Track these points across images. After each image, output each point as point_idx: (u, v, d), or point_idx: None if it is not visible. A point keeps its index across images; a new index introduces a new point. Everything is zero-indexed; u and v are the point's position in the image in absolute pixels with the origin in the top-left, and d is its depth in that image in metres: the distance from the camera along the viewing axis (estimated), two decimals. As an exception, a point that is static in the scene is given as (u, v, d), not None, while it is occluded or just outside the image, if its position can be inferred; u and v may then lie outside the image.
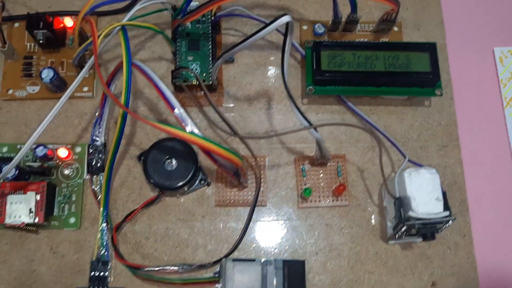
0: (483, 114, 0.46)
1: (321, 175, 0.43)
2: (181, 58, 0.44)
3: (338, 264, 0.42)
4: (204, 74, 0.43)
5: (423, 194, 0.37)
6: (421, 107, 0.46)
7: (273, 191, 0.43)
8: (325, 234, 0.42)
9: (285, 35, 0.34)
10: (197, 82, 0.43)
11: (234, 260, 0.38)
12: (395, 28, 0.47)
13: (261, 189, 0.43)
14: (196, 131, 0.36)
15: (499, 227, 0.43)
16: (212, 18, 0.45)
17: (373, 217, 0.43)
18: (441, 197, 0.37)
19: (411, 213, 0.36)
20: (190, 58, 0.44)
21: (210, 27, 0.45)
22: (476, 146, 0.45)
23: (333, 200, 0.43)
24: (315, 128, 0.37)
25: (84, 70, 0.39)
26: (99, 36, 0.38)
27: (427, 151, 0.44)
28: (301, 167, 0.43)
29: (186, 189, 0.42)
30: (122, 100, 0.37)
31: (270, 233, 0.42)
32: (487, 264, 0.42)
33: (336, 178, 0.43)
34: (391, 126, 0.45)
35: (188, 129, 0.36)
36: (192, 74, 0.43)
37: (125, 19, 0.40)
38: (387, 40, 0.47)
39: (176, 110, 0.36)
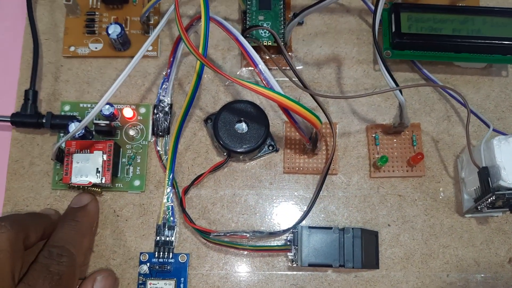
0: None
1: (395, 144, 0.41)
2: (252, 17, 0.42)
3: (411, 236, 0.40)
4: (278, 37, 0.41)
5: (513, 163, 0.35)
6: (498, 77, 0.44)
7: (343, 160, 0.42)
8: (398, 206, 0.41)
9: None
10: (268, 43, 0.41)
11: (310, 227, 0.37)
12: (479, -7, 0.45)
13: (332, 157, 0.41)
14: (278, 89, 0.34)
15: None
16: (284, -24, 0.43)
17: (448, 189, 0.41)
18: (533, 167, 0.35)
19: (501, 183, 0.34)
20: (261, 17, 0.42)
21: (281, -14, 0.43)
22: (557, 119, 0.43)
23: (407, 171, 0.41)
24: (400, 91, 0.35)
25: (159, 26, 0.37)
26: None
27: (505, 123, 0.42)
28: (374, 135, 0.42)
29: (255, 153, 0.41)
30: (201, 50, 0.35)
31: (341, 203, 0.41)
32: None
33: (411, 147, 0.41)
34: (467, 96, 0.43)
35: (270, 86, 0.34)
36: (264, 34, 0.41)
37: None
38: (463, 4, 0.44)
39: (259, 66, 0.34)
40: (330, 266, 0.36)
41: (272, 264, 0.39)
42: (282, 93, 0.34)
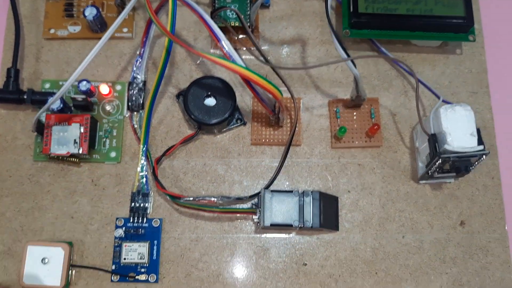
0: (514, 62, 0.47)
1: (355, 117, 0.44)
2: (220, 1, 0.45)
3: (369, 202, 0.43)
4: (242, 17, 0.44)
5: (458, 129, 0.38)
6: (452, 55, 0.47)
7: (307, 132, 0.45)
8: (358, 174, 0.44)
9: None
10: (235, 24, 0.44)
11: (273, 191, 0.40)
12: (429, -23, 0.48)
13: (296, 129, 0.44)
14: (240, 61, 0.37)
15: (527, 171, 0.44)
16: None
17: (404, 158, 0.44)
18: (475, 132, 0.38)
19: (446, 147, 0.37)
20: (228, 0, 0.45)
21: (247, -29, 0.45)
22: (505, 93, 0.46)
23: (366, 141, 0.44)
24: (353, 62, 0.38)
25: (129, 5, 0.40)
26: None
27: (458, 97, 0.45)
28: (335, 109, 0.45)
29: (223, 126, 0.43)
30: (168, 27, 0.38)
31: (304, 171, 0.43)
32: (514, 205, 0.43)
33: (369, 120, 0.44)
34: (423, 73, 0.46)
35: (232, 59, 0.37)
36: (231, 15, 0.44)
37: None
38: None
39: (222, 42, 0.37)
40: (290, 226, 0.39)
41: (239, 227, 0.42)
42: (244, 65, 0.37)
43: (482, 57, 0.47)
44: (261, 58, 0.40)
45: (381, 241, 0.42)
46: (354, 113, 0.44)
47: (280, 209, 0.39)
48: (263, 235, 0.42)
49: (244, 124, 0.44)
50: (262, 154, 0.44)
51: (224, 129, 0.44)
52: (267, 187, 0.42)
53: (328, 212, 0.40)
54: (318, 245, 0.42)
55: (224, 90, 0.42)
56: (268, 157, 0.44)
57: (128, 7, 0.40)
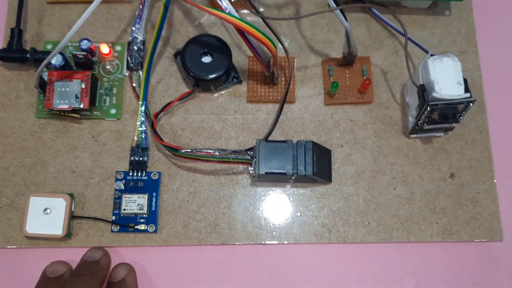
0: (502, 22, 0.48)
1: (347, 74, 0.46)
2: (216, -36, 0.46)
3: (362, 156, 0.44)
4: (237, -21, 0.46)
5: (446, 78, 0.39)
6: (441, 16, 0.48)
7: (301, 90, 0.46)
8: (350, 129, 0.45)
9: None
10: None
11: (267, 141, 0.41)
12: None
13: (291, 87, 0.45)
14: (234, 13, 0.38)
15: (515, 125, 0.46)
16: None
17: (395, 114, 0.45)
18: (462, 81, 0.39)
19: (434, 94, 0.39)
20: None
21: None
22: (493, 52, 0.47)
23: (357, 98, 0.45)
24: (344, 16, 0.40)
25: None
26: None
27: (448, 56, 0.47)
28: (328, 67, 0.46)
29: (220, 84, 0.45)
30: (165, -12, 0.40)
31: (299, 127, 0.45)
32: (502, 157, 0.45)
33: (361, 77, 0.46)
34: (413, 33, 0.48)
35: (227, 10, 0.38)
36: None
37: None
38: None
39: (217, -6, 0.39)
40: (284, 174, 0.40)
41: (236, 180, 0.43)
42: (238, 16, 0.38)
43: (470, 17, 0.48)
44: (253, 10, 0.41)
45: (373, 193, 0.43)
46: (347, 71, 0.46)
47: (275, 158, 0.40)
48: (259, 188, 0.43)
49: (240, 82, 0.46)
50: (257, 111, 0.45)
51: (221, 87, 0.45)
52: (265, 138, 0.43)
53: (321, 162, 0.42)
54: (311, 196, 0.43)
55: (220, 48, 0.44)
56: (263, 114, 0.45)
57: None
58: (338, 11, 0.40)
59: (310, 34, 0.47)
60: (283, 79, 0.46)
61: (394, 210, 0.43)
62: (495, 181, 0.44)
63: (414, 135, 0.44)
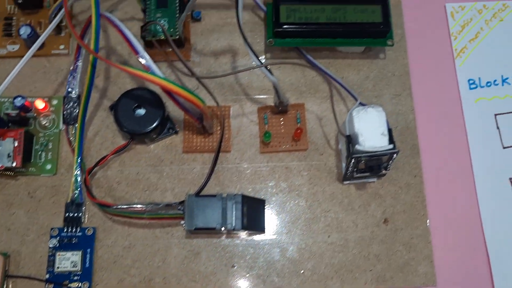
0: (435, 65, 0.49)
1: (282, 122, 0.46)
2: (150, 15, 0.47)
3: (296, 203, 0.45)
4: (172, 30, 0.46)
5: (370, 129, 0.40)
6: (376, 60, 0.49)
7: (237, 138, 0.46)
8: (285, 177, 0.45)
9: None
10: (165, 37, 0.46)
11: (197, 196, 0.41)
12: (353, -13, 0.50)
13: (226, 136, 0.46)
14: (159, 73, 0.39)
15: (448, 168, 0.46)
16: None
17: (330, 160, 0.46)
18: (386, 132, 0.40)
19: (357, 147, 0.39)
20: (158, 15, 0.47)
21: (176, -13, 0.48)
22: (427, 94, 0.48)
23: (292, 145, 0.46)
24: (268, 70, 0.40)
25: (54, 21, 0.42)
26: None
27: (382, 100, 0.47)
28: (263, 115, 0.46)
29: (155, 136, 0.45)
30: (92, 46, 0.40)
31: (234, 176, 0.45)
32: (436, 201, 0.45)
33: (295, 125, 0.46)
34: (348, 77, 0.48)
35: (151, 71, 0.39)
36: (160, 28, 0.46)
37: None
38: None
39: (140, 54, 0.39)
40: (214, 228, 0.40)
41: (171, 233, 0.44)
42: (162, 76, 0.39)
43: (404, 60, 0.49)
44: (188, 71, 0.42)
45: (307, 241, 0.44)
46: (281, 118, 0.46)
47: (204, 213, 0.41)
48: (194, 240, 0.43)
49: (176, 132, 0.46)
50: (193, 161, 0.46)
51: (157, 139, 0.46)
52: (197, 193, 0.43)
53: (252, 214, 0.42)
54: (246, 246, 0.43)
55: (152, 100, 0.44)
56: (199, 164, 0.46)
57: (54, 21, 0.43)
58: (264, 68, 0.40)
59: (246, 82, 0.48)
60: (219, 128, 0.46)
61: (328, 258, 0.43)
62: (428, 225, 0.44)
63: (348, 182, 0.45)
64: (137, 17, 0.50)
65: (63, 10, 0.43)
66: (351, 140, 0.41)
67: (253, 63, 0.41)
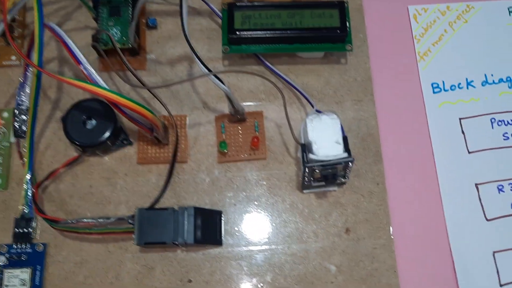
0: (398, 69, 0.48)
1: (240, 131, 0.45)
2: (102, 24, 0.46)
3: (255, 214, 0.43)
4: (125, 38, 0.45)
5: (324, 138, 0.38)
6: (337, 65, 0.47)
7: (194, 148, 0.45)
8: (244, 187, 0.44)
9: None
10: (120, 46, 0.45)
11: (147, 209, 0.40)
12: (314, -10, 0.49)
13: (182, 146, 0.44)
14: (102, 84, 0.38)
15: (412, 174, 0.45)
16: (132, -16, 0.47)
17: (290, 169, 0.44)
18: (340, 140, 0.38)
19: (311, 156, 0.38)
20: (111, 23, 0.46)
21: (130, -6, 0.46)
22: (390, 99, 0.47)
23: (250, 154, 0.44)
24: (218, 78, 0.39)
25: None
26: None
27: (343, 106, 0.46)
28: (221, 124, 0.45)
29: (108, 147, 0.44)
30: (35, 59, 0.39)
31: (191, 188, 0.44)
32: (400, 209, 0.44)
33: (254, 133, 0.45)
34: (309, 83, 0.47)
35: (94, 82, 0.37)
36: (114, 38, 0.44)
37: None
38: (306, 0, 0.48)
39: (82, 65, 0.38)
40: (164, 243, 0.39)
41: (125, 248, 0.42)
42: (106, 87, 0.37)
43: (366, 65, 0.47)
44: (139, 83, 0.41)
45: (266, 253, 0.42)
46: (239, 127, 0.45)
47: (155, 227, 0.39)
48: (149, 254, 0.42)
49: (130, 143, 0.45)
50: (148, 172, 0.44)
51: (110, 150, 0.44)
52: (151, 206, 0.42)
53: (207, 227, 0.41)
54: (203, 260, 0.42)
55: (103, 112, 0.43)
56: (155, 175, 0.44)
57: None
58: (212, 76, 0.39)
59: (204, 90, 0.47)
60: (175, 138, 0.45)
61: (288, 270, 0.42)
62: (391, 234, 0.43)
63: (308, 191, 0.43)
64: (92, 25, 0.48)
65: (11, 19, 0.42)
66: (305, 148, 0.39)
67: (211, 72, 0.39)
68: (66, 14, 0.49)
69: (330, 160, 0.38)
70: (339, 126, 0.39)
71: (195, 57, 0.39)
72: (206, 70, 0.39)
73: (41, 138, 0.45)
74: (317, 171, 0.39)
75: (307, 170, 0.38)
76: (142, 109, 0.38)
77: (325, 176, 0.39)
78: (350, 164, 0.38)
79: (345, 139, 0.39)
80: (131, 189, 0.44)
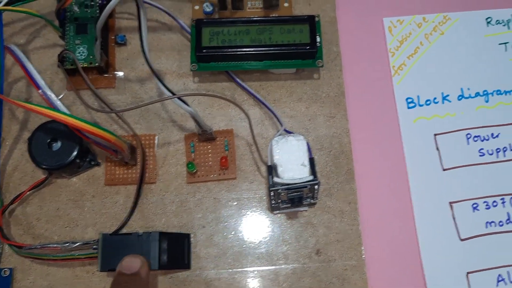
0: (372, 84, 0.46)
1: (209, 150, 0.44)
2: (69, 42, 0.45)
3: (224, 236, 0.42)
4: (92, 57, 0.44)
5: (289, 160, 0.38)
6: (310, 80, 0.46)
7: (163, 168, 0.44)
8: (213, 208, 0.43)
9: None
10: (84, 64, 0.44)
11: (111, 234, 0.39)
12: (285, 4, 0.48)
13: (150, 166, 0.44)
14: (63, 109, 0.37)
15: (385, 193, 0.44)
16: (99, 1, 0.46)
17: (260, 188, 0.43)
18: (306, 162, 0.38)
19: (276, 179, 0.37)
20: (77, 42, 0.45)
21: (98, 11, 0.45)
22: (363, 115, 0.45)
23: (219, 174, 0.43)
24: (183, 100, 0.38)
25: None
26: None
27: (315, 122, 0.45)
28: (190, 143, 0.44)
29: (75, 169, 0.43)
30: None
31: (159, 209, 0.43)
32: (372, 229, 0.43)
33: (224, 152, 0.44)
34: (281, 99, 0.46)
35: (54, 106, 0.37)
36: (80, 56, 0.44)
37: (1, 3, 0.41)
38: (277, 14, 0.47)
39: (41, 89, 0.37)
40: (128, 269, 0.38)
41: (92, 272, 0.41)
42: (65, 111, 0.36)
43: (339, 80, 0.46)
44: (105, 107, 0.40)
45: (235, 276, 0.41)
46: (209, 146, 0.44)
47: (119, 252, 0.38)
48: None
49: (98, 164, 0.44)
50: (116, 194, 0.44)
51: (77, 172, 0.44)
52: (116, 230, 0.41)
53: (173, 251, 0.40)
54: (171, 283, 0.41)
55: (69, 133, 0.42)
56: (122, 197, 0.43)
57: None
58: (176, 99, 0.38)
59: (173, 108, 0.46)
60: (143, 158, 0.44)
61: (257, 293, 0.41)
62: (363, 255, 0.42)
63: (278, 211, 0.42)
64: (61, 43, 0.47)
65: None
66: (271, 170, 0.38)
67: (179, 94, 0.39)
68: (34, 31, 0.48)
69: (295, 184, 0.37)
70: (306, 147, 0.38)
71: (157, 80, 0.38)
72: (169, 93, 0.38)
73: (8, 159, 0.44)
74: (283, 194, 0.38)
75: (272, 193, 0.37)
76: (103, 132, 0.37)
77: (291, 199, 0.38)
78: (316, 186, 0.37)
79: (311, 160, 0.38)
80: (98, 211, 0.43)
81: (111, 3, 0.34)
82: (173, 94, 0.38)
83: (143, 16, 0.36)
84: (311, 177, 0.37)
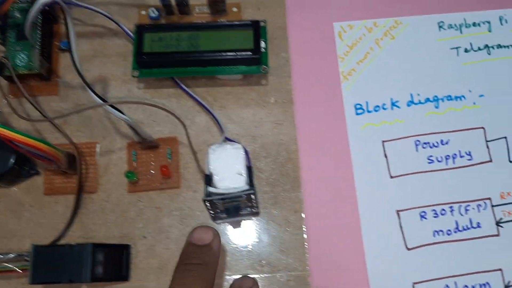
0: (321, 89, 0.45)
1: (152, 159, 0.43)
2: (9, 49, 0.44)
3: (166, 246, 0.41)
4: (32, 63, 0.43)
5: (225, 169, 0.36)
6: (258, 86, 0.45)
7: (105, 177, 0.43)
8: (155, 218, 0.42)
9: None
10: (27, 71, 0.43)
11: (42, 246, 0.38)
12: (234, 9, 0.47)
13: (91, 175, 0.42)
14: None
15: (331, 201, 0.43)
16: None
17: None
18: (243, 171, 0.36)
19: (210, 189, 0.36)
20: (18, 48, 0.44)
21: (41, 17, 0.44)
22: (312, 122, 0.44)
23: (162, 183, 0.42)
24: (116, 108, 0.37)
25: None
26: None
27: (262, 129, 0.44)
28: (132, 151, 0.43)
29: (12, 179, 0.42)
30: None
31: (99, 219, 0.42)
32: (317, 239, 0.42)
33: (166, 161, 0.43)
34: (228, 106, 0.45)
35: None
36: (21, 62, 0.43)
37: None
38: (225, 19, 0.46)
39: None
40: (59, 282, 0.37)
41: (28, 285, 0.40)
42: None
43: (288, 86, 0.45)
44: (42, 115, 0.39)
45: (175, 288, 0.40)
46: (152, 154, 0.43)
47: (51, 265, 0.37)
48: (57, 291, 0.40)
49: (38, 173, 0.43)
50: (56, 203, 0.42)
51: (16, 181, 0.42)
52: (55, 240, 0.40)
53: (109, 263, 0.39)
54: (109, 297, 0.40)
55: (3, 143, 0.41)
56: (62, 206, 0.42)
57: None
58: (108, 106, 0.37)
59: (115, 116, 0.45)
60: (85, 166, 0.43)
61: (198, 306, 0.40)
62: (308, 266, 0.41)
63: (220, 221, 0.41)
64: (2, 49, 0.46)
65: None
66: (208, 180, 0.37)
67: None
68: (-24, 37, 0.47)
69: (229, 193, 0.36)
70: (243, 156, 0.37)
71: (87, 87, 0.37)
72: (100, 101, 0.37)
73: None
74: (218, 204, 0.37)
75: (208, 204, 0.36)
76: (34, 142, 0.36)
77: (227, 209, 0.37)
78: (253, 196, 0.36)
79: (249, 169, 0.37)
80: (37, 221, 0.42)
81: (33, 8, 0.33)
82: (105, 101, 0.37)
83: (69, 20, 0.35)
84: (246, 187, 0.36)
